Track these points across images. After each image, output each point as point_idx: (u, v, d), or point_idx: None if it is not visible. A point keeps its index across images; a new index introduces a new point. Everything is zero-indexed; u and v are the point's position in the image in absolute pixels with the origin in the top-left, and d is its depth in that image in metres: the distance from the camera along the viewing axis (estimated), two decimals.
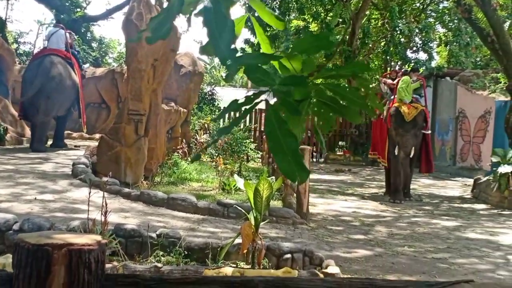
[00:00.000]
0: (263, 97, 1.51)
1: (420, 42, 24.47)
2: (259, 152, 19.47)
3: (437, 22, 27.39)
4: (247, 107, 1.52)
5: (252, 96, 1.52)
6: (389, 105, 12.52)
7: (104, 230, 5.36)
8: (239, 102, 1.52)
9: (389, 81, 13.24)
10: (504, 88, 14.50)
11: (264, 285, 1.82)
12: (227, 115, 22.42)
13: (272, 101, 1.51)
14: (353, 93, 1.64)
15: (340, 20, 24.35)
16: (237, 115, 1.74)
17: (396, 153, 12.02)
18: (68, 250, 1.64)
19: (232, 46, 1.40)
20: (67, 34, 14.99)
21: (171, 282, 1.75)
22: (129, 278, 1.75)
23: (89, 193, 5.43)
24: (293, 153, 1.47)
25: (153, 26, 1.57)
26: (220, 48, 1.39)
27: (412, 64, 22.05)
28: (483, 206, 11.87)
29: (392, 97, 12.73)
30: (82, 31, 27.11)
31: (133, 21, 10.32)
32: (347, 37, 24.30)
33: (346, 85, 1.66)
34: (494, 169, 12.26)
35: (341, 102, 1.66)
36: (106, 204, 5.35)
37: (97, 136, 16.64)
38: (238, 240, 5.67)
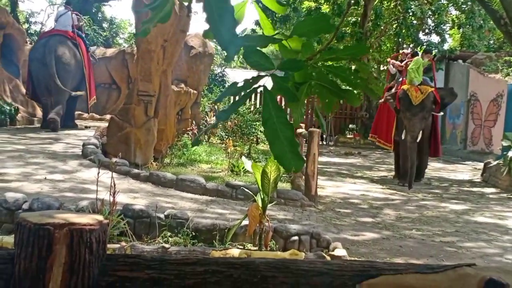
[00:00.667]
0: (262, 81, 1.50)
1: (433, 24, 24.25)
2: None
3: (450, 4, 27.05)
4: (247, 91, 1.51)
5: (251, 80, 1.51)
6: (397, 87, 12.41)
7: (112, 210, 5.40)
8: (238, 85, 1.51)
9: (398, 63, 13.13)
10: None
11: (265, 267, 1.83)
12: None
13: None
14: (353, 76, 1.62)
15: (352, 1, 24.12)
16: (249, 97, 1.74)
17: (403, 137, 11.92)
18: (69, 229, 1.65)
19: (233, 31, 1.39)
20: (74, 16, 15.10)
21: (172, 263, 1.76)
22: (130, 258, 1.77)
23: (98, 174, 5.45)
24: (288, 141, 1.46)
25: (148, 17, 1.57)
26: (221, 33, 1.38)
27: (424, 46, 21.86)
28: (492, 190, 11.82)
29: (401, 79, 12.62)
30: (93, 11, 27.05)
31: (143, 2, 10.28)
32: (359, 19, 24.12)
33: (346, 68, 1.65)
34: (505, 153, 12.19)
35: (341, 85, 1.65)
36: (114, 185, 5.37)
37: (108, 117, 16.69)
38: (246, 222, 5.69)
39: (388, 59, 15.08)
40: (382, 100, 12.99)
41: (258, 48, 1.50)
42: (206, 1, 1.39)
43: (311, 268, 1.85)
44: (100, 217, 1.77)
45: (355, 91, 1.76)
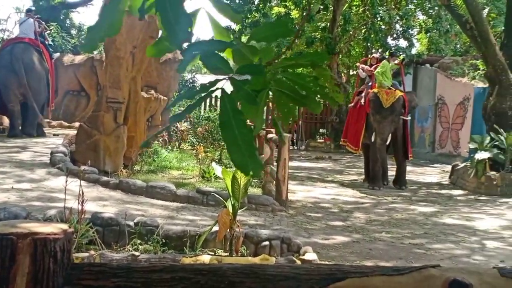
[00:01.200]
0: (219, 85, 1.50)
1: (401, 29, 24.61)
2: None
3: (418, 9, 27.50)
4: (202, 95, 1.51)
5: (207, 84, 1.51)
6: (367, 91, 12.55)
7: (81, 219, 5.35)
8: (194, 90, 1.51)
9: (367, 67, 13.28)
10: (483, 75, 14.61)
11: (232, 272, 1.84)
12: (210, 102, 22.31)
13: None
14: (313, 83, 1.63)
15: (322, 7, 24.34)
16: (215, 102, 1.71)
17: (372, 140, 12.05)
18: (32, 239, 1.64)
19: (189, 35, 1.39)
20: (36, 23, 14.98)
21: (138, 271, 1.76)
22: (96, 266, 1.76)
23: (66, 182, 5.40)
24: (247, 145, 1.44)
25: (93, 29, 1.53)
26: (176, 34, 1.38)
27: (393, 51, 22.16)
28: (460, 192, 12.02)
29: (370, 83, 12.76)
30: (61, 18, 26.73)
31: None
32: (328, 24, 24.35)
33: (306, 74, 1.66)
34: (472, 155, 12.41)
35: (301, 91, 1.65)
36: (83, 193, 5.32)
37: (77, 124, 16.50)
38: (216, 228, 5.68)
39: (358, 64, 15.24)
40: (352, 104, 13.14)
41: (217, 52, 1.50)
42: (161, 9, 1.39)
43: (278, 272, 1.87)
44: (64, 226, 1.76)
45: (315, 98, 1.77)
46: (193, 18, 1.61)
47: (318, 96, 1.71)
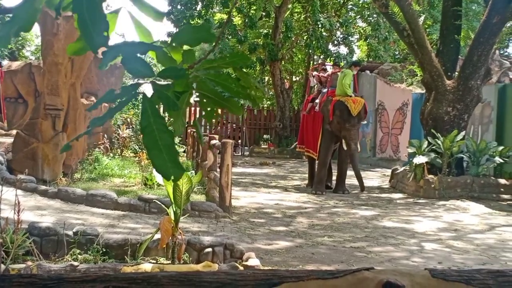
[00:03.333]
0: (141, 89, 1.48)
1: (341, 36, 25.07)
2: (183, 146, 19.36)
3: (358, 17, 28.10)
4: (124, 98, 1.48)
5: (129, 87, 1.49)
6: (321, 99, 12.63)
7: (17, 229, 5.19)
8: (115, 93, 1.49)
9: (322, 74, 13.40)
10: (420, 81, 15.01)
11: (167, 280, 1.82)
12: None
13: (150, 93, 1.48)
14: (234, 84, 1.63)
15: (264, 13, 24.54)
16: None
17: (344, 147, 12.13)
18: None
19: (106, 37, 1.37)
20: None
21: (70, 281, 1.71)
22: (25, 278, 1.70)
23: (1, 191, 5.23)
24: (168, 149, 1.43)
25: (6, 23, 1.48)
26: (91, 35, 1.35)
27: (356, 60, 22.56)
28: (400, 195, 12.30)
29: (325, 90, 12.85)
30: None
31: (49, 13, 9.99)
32: (271, 30, 24.55)
33: (228, 75, 1.67)
34: (411, 159, 12.72)
35: (222, 94, 1.65)
36: (19, 202, 5.17)
37: (14, 132, 16.03)
38: (158, 236, 5.62)
39: (309, 71, 15.37)
40: (306, 111, 13.23)
41: (138, 55, 1.48)
42: (78, 9, 1.36)
43: (214, 279, 1.86)
44: None
45: (236, 100, 1.77)
46: (114, 18, 1.58)
47: (240, 96, 1.71)
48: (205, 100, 1.65)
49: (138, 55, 1.48)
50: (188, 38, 1.60)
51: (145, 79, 1.49)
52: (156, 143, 1.41)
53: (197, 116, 22.09)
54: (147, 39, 1.71)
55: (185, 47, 1.67)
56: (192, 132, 17.33)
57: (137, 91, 1.46)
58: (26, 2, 1.49)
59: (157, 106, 1.48)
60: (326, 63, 14.70)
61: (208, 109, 1.69)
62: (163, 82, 1.48)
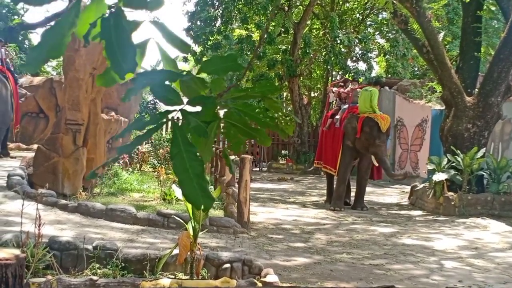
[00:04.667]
0: (169, 116, 1.50)
1: (360, 52, 25.06)
2: None
3: (376, 33, 28.11)
4: (152, 126, 1.50)
5: (158, 115, 1.50)
6: (342, 115, 12.61)
7: (37, 243, 5.23)
8: (144, 121, 1.50)
9: (343, 90, 13.37)
10: (439, 97, 14.94)
11: None
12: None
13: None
14: (263, 114, 1.64)
15: (283, 29, 24.65)
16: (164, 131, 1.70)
17: (376, 164, 12.08)
18: None
19: (134, 66, 1.39)
20: (3, 50, 15.22)
21: None
22: None
23: (22, 205, 5.29)
24: (198, 177, 1.43)
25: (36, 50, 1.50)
26: (120, 65, 1.37)
27: (352, 73, 22.53)
28: (419, 212, 12.20)
29: (346, 106, 12.83)
30: (20, 39, 26.38)
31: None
32: (289, 46, 24.65)
33: (257, 106, 1.67)
34: (430, 176, 12.62)
35: (250, 123, 1.66)
36: (40, 216, 5.22)
37: (35, 146, 16.23)
38: (177, 251, 5.63)
39: (328, 87, 15.38)
40: (326, 126, 13.19)
41: (167, 83, 1.49)
42: (106, 36, 1.39)
43: None
44: (17, 251, 1.72)
45: (264, 130, 1.77)
46: (143, 49, 1.60)
47: (269, 128, 1.71)
48: (232, 131, 1.66)
49: (167, 83, 1.49)
50: (215, 68, 1.62)
51: (174, 106, 1.52)
52: (186, 171, 1.42)
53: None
54: (173, 69, 1.73)
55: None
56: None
57: (166, 119, 1.47)
58: (54, 28, 1.52)
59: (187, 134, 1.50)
60: (349, 79, 14.63)
61: (235, 140, 1.70)
62: (192, 110, 1.50)
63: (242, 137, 1.71)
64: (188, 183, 1.44)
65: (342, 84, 13.87)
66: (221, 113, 1.64)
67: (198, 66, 1.66)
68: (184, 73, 1.62)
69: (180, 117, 1.51)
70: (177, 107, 1.52)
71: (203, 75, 1.67)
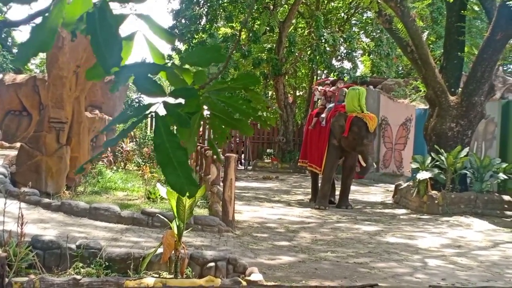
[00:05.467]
0: (153, 108, 1.50)
1: (345, 51, 25.14)
2: None
3: (361, 32, 28.22)
4: (135, 119, 1.49)
5: (141, 108, 1.50)
6: (328, 113, 12.55)
7: (20, 242, 5.19)
8: (127, 113, 1.50)
9: (329, 88, 13.32)
10: (423, 97, 15.03)
11: None
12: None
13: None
14: (246, 105, 1.64)
15: (268, 28, 24.67)
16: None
17: (363, 164, 12.08)
18: None
19: (119, 58, 1.39)
20: None
21: None
22: None
23: (5, 204, 5.24)
24: (182, 166, 1.44)
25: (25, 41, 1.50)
26: (104, 56, 1.37)
27: (337, 72, 22.58)
28: (403, 211, 12.26)
29: (331, 104, 12.78)
30: (3, 36, 26.16)
31: None
32: (275, 45, 24.69)
33: (240, 97, 1.67)
34: (414, 175, 12.70)
35: (233, 114, 1.66)
36: (22, 215, 5.18)
37: (18, 145, 16.09)
38: (161, 250, 5.61)
39: (314, 86, 15.29)
40: (312, 125, 13.14)
41: (150, 75, 1.49)
42: (91, 31, 1.38)
43: None
44: None
45: (247, 121, 1.78)
46: (131, 41, 1.60)
47: (251, 118, 1.72)
48: (215, 121, 1.66)
49: (150, 75, 1.49)
50: (198, 59, 1.62)
51: (157, 98, 1.51)
52: (170, 160, 1.43)
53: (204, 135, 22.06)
54: (160, 61, 1.73)
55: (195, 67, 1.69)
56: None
57: (149, 110, 1.47)
58: (43, 23, 1.51)
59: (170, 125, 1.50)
60: (338, 79, 14.48)
61: (219, 131, 1.71)
62: (175, 101, 1.50)
63: (226, 128, 1.72)
64: (172, 172, 1.45)
65: (330, 83, 13.84)
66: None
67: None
68: (169, 64, 1.62)
69: (163, 109, 1.51)
70: (160, 99, 1.52)
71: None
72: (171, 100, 1.51)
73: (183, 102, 1.51)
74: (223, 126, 1.69)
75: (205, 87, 1.64)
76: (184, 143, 1.66)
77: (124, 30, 1.48)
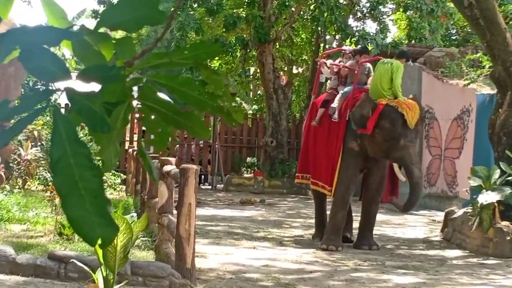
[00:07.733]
0: (52, 98, 1.47)
1: (368, 5, 25.05)
2: (120, 175, 19.31)
3: None
4: (26, 114, 1.44)
5: (33, 97, 1.45)
6: (341, 102, 12.34)
7: None
8: (11, 106, 1.45)
9: (343, 64, 13.08)
10: (488, 75, 15.07)
11: None
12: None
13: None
14: (199, 91, 1.59)
15: None
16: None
17: (400, 176, 12.02)
18: None
19: None
20: None
21: None
22: None
23: None
24: (93, 196, 1.37)
25: None
26: None
27: (356, 38, 22.59)
28: (457, 252, 12.30)
29: (347, 88, 12.44)
30: None
31: None
32: None
33: (190, 78, 1.64)
34: (474, 197, 12.70)
35: (179, 105, 1.62)
36: None
37: None
38: None
39: (319, 59, 14.87)
40: (316, 121, 12.79)
41: (46, 46, 1.44)
42: None
43: None
44: None
45: (202, 116, 1.75)
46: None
47: (208, 110, 1.69)
48: (152, 117, 1.62)
49: (46, 46, 1.45)
50: (124, 19, 1.56)
51: (58, 83, 1.46)
52: (74, 186, 1.36)
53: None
54: (60, 22, 1.69)
55: (120, 33, 1.65)
56: (134, 153, 17.30)
57: (48, 102, 1.44)
58: None
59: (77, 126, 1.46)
60: (357, 49, 14.22)
61: (157, 130, 1.67)
62: (85, 88, 1.45)
63: (167, 126, 1.67)
64: (76, 203, 1.38)
65: (345, 55, 13.66)
66: (135, 90, 1.60)
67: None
68: (76, 28, 1.56)
69: (67, 100, 1.47)
70: (63, 84, 1.46)
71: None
72: (79, 85, 1.46)
73: (99, 89, 1.45)
74: (163, 124, 1.65)
75: (135, 64, 1.60)
76: (100, 152, 1.61)
77: None
